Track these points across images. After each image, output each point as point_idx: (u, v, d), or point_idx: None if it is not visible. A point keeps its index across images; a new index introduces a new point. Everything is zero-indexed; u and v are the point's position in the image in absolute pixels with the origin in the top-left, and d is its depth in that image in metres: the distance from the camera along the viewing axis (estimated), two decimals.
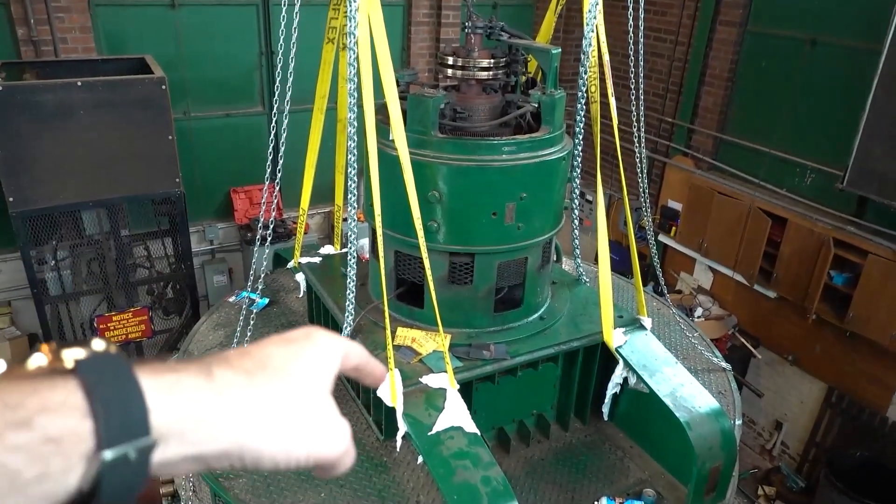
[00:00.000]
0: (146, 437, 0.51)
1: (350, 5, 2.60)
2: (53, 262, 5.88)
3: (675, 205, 8.69)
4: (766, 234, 7.27)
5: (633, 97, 3.58)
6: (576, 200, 3.88)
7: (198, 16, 7.46)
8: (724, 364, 3.85)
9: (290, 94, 3.13)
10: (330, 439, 0.64)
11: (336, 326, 3.42)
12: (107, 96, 5.40)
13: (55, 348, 0.52)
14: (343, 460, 0.67)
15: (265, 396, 0.60)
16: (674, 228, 8.66)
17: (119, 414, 0.50)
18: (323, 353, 0.68)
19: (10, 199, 5.34)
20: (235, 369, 0.60)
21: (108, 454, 0.49)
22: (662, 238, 8.76)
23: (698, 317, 8.14)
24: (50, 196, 5.48)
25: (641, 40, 3.57)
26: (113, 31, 7.15)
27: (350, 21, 2.62)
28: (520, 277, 3.25)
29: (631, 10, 3.40)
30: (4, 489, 0.45)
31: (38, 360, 0.52)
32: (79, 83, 5.27)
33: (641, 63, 3.49)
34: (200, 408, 0.55)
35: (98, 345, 0.53)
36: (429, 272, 2.87)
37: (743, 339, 7.93)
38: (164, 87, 5.58)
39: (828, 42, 6.94)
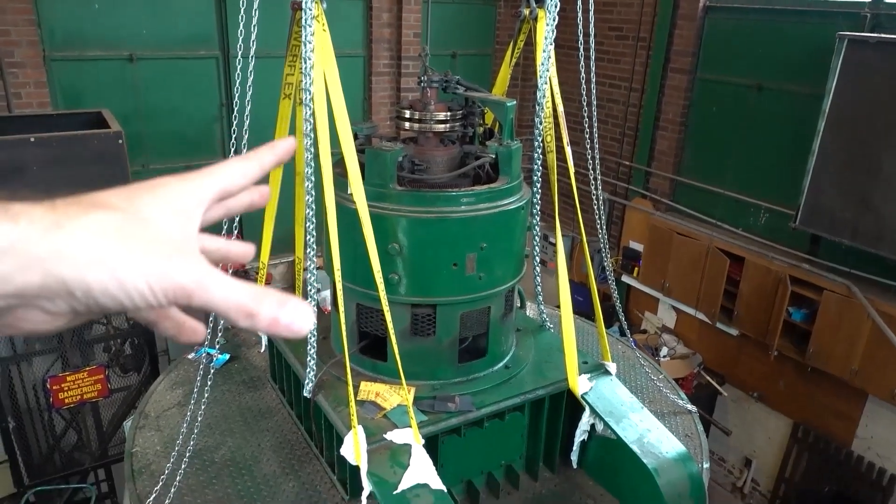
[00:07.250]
0: None
1: (305, 63, 2.62)
2: None
3: (637, 246, 8.83)
4: (724, 272, 7.41)
5: (588, 142, 3.65)
6: (537, 243, 3.91)
7: (157, 69, 7.45)
8: (689, 406, 3.86)
9: (247, 144, 3.10)
10: (170, 262, 0.55)
11: (298, 381, 3.35)
12: (61, 152, 5.30)
13: None
14: (224, 297, 0.56)
15: (77, 223, 0.53)
16: (636, 269, 8.78)
17: None
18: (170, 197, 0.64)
19: None
20: (41, 206, 0.53)
21: None
22: (626, 279, 8.86)
23: (664, 356, 8.19)
24: None
25: (594, 89, 3.67)
26: (70, 86, 7.08)
27: (305, 78, 2.63)
28: (483, 327, 3.23)
29: (582, 59, 3.49)
30: None
31: None
32: (32, 139, 5.17)
33: (594, 106, 3.58)
34: None
35: None
36: (390, 325, 2.84)
37: (708, 378, 7.99)
38: (120, 141, 5.50)
39: (773, 87, 7.24)
